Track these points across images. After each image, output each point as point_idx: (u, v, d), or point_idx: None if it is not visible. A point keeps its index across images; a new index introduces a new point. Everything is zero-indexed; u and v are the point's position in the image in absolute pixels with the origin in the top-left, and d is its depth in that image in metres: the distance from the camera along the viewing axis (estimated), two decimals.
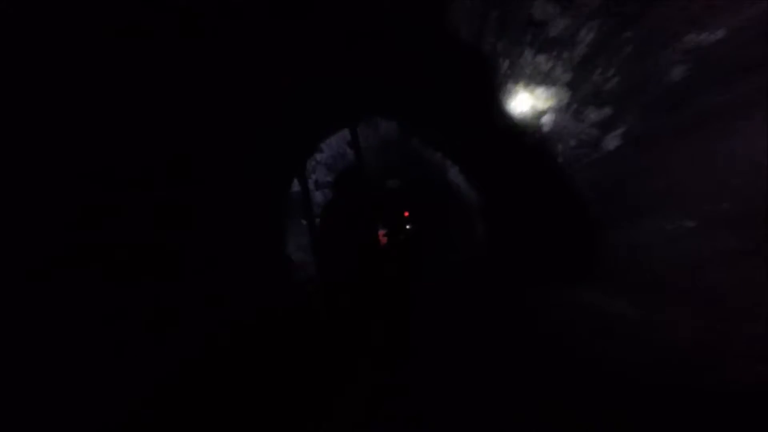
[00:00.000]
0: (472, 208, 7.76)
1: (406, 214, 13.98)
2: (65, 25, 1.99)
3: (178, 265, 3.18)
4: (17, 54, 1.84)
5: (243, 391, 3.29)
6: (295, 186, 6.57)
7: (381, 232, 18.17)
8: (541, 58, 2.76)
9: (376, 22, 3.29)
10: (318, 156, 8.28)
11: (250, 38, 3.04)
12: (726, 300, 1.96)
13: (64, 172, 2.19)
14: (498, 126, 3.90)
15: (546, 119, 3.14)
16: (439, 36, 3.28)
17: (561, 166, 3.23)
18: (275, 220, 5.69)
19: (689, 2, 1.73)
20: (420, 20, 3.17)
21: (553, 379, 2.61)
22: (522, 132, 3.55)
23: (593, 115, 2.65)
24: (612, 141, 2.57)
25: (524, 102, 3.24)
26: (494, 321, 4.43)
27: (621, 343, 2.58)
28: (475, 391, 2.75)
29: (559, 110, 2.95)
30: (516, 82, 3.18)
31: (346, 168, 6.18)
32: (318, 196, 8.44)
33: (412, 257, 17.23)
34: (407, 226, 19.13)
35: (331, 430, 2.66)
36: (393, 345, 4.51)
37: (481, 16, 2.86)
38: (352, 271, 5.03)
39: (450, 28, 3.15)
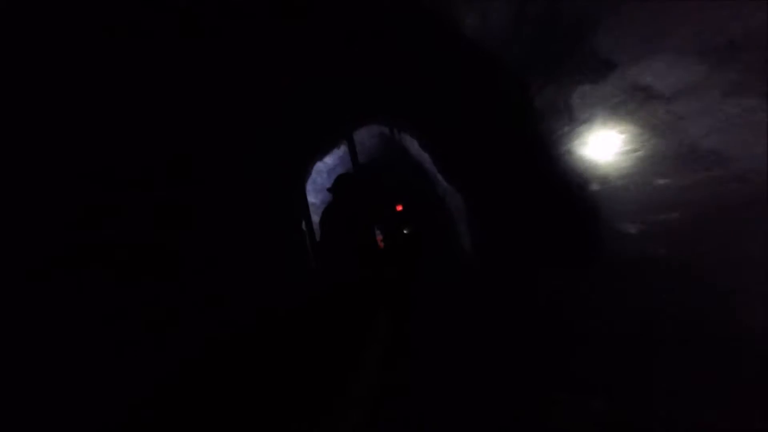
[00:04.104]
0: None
1: (399, 207, 13.90)
2: (66, 25, 1.99)
3: (178, 265, 3.18)
4: (18, 53, 1.84)
5: (243, 391, 3.29)
6: (295, 187, 6.58)
7: (379, 237, 18.22)
8: None
9: (375, 22, 3.29)
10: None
11: (249, 38, 3.04)
12: None
13: (64, 172, 2.19)
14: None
15: None
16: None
17: None
18: (275, 221, 5.69)
19: None
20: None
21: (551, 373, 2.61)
22: None
23: None
24: None
25: None
26: (492, 318, 4.44)
27: None
28: (475, 389, 2.75)
29: None
30: None
31: (344, 172, 6.24)
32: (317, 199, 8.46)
33: (411, 258, 17.26)
34: (404, 231, 19.20)
35: (332, 429, 2.66)
36: (393, 345, 4.51)
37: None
38: (351, 272, 5.05)
39: None
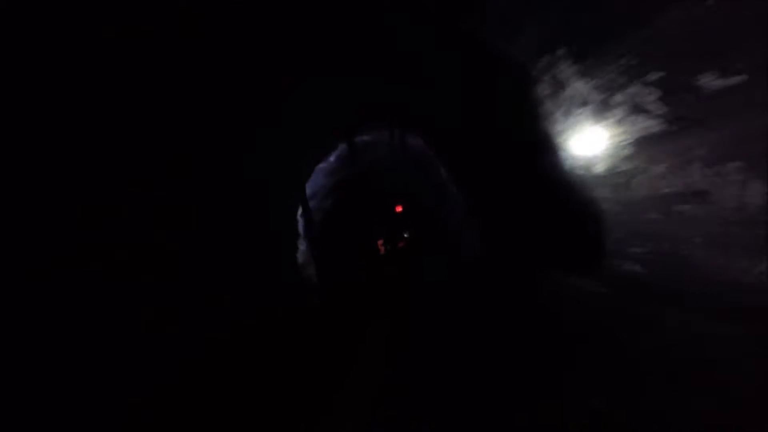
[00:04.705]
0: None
1: (399, 208, 13.86)
2: (66, 26, 1.99)
3: (178, 265, 3.18)
4: (18, 54, 1.84)
5: (243, 390, 3.29)
6: (295, 187, 6.57)
7: (380, 241, 18.21)
8: None
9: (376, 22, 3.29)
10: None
11: (249, 38, 3.04)
12: None
13: (64, 172, 2.19)
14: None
15: None
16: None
17: None
18: (276, 221, 5.69)
19: None
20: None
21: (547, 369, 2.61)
22: None
23: None
24: None
25: None
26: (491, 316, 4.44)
27: None
28: (474, 387, 2.75)
29: None
30: None
31: (346, 174, 6.24)
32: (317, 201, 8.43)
33: (411, 259, 17.26)
34: (405, 234, 19.21)
35: (332, 428, 2.66)
36: (394, 343, 4.52)
37: None
38: (351, 272, 5.05)
39: None
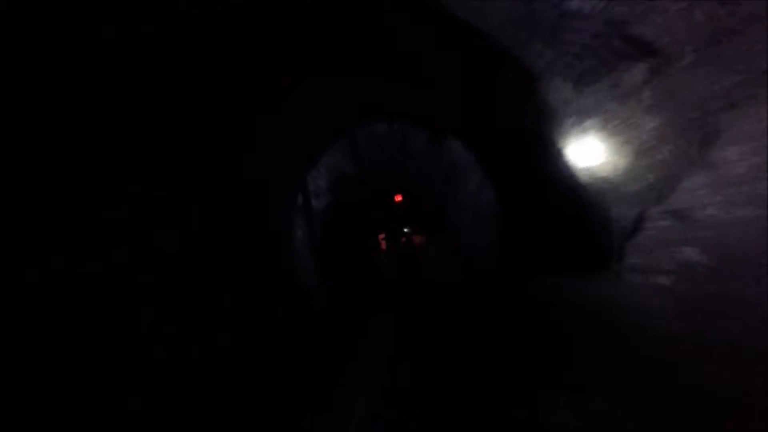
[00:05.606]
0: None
1: (398, 198, 13.62)
2: (66, 26, 1.99)
3: (178, 265, 3.18)
4: (17, 54, 1.84)
5: (244, 391, 3.29)
6: (295, 187, 6.57)
7: (381, 236, 18.15)
8: None
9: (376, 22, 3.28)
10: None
11: (249, 38, 3.04)
12: None
13: (63, 173, 2.19)
14: None
15: None
16: None
17: None
18: (276, 220, 5.68)
19: None
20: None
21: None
22: None
23: None
24: None
25: None
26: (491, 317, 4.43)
27: None
28: (474, 388, 2.75)
29: None
30: None
31: (346, 172, 6.22)
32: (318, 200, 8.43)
33: (412, 258, 17.24)
34: (405, 230, 19.14)
35: (332, 429, 2.66)
36: (393, 344, 4.51)
37: None
38: (351, 271, 5.05)
39: None
